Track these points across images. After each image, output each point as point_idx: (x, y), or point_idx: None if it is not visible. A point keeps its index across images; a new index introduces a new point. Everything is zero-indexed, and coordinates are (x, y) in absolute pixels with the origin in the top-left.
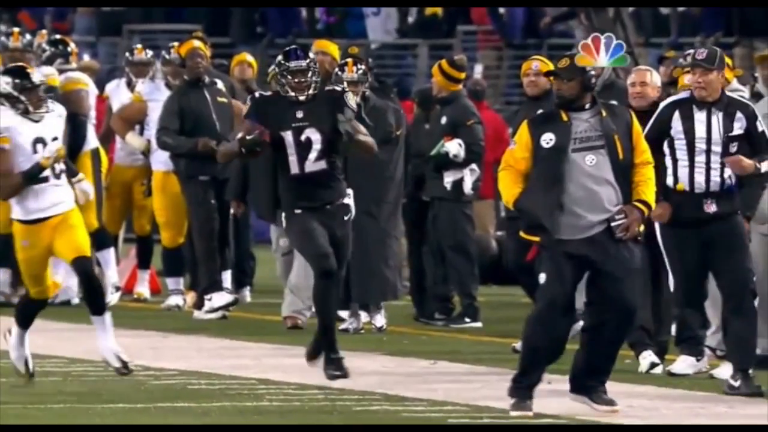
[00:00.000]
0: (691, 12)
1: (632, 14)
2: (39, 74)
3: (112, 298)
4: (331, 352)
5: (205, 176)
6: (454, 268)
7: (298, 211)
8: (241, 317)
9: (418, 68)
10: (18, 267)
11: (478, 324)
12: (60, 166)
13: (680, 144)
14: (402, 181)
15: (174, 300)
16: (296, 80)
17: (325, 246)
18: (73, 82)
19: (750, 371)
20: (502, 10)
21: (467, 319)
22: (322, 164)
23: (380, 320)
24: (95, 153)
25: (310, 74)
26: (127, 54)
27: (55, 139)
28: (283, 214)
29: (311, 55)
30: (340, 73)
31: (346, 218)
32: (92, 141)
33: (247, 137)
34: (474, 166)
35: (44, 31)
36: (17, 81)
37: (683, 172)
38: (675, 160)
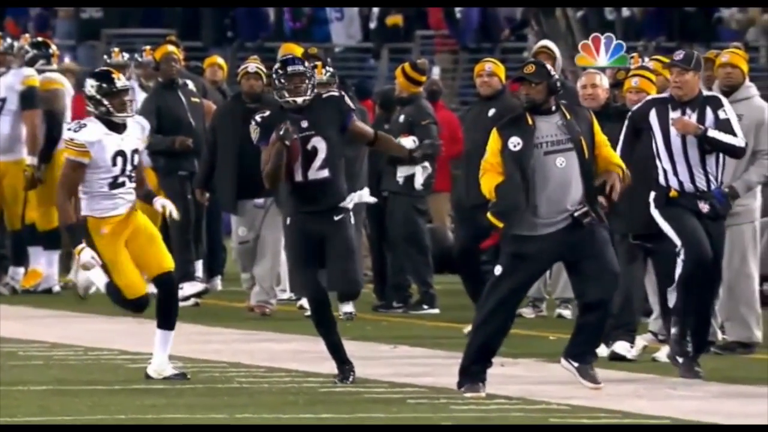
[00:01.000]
0: (635, 18)
1: (580, 19)
2: (123, 79)
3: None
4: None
5: (183, 171)
6: (409, 258)
7: (294, 219)
8: (212, 305)
9: (379, 70)
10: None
11: (436, 310)
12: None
13: (659, 141)
14: (366, 176)
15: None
16: (294, 85)
17: (314, 280)
18: (50, 81)
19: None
20: (458, 15)
21: (425, 306)
22: (325, 172)
23: (349, 308)
24: None
25: (306, 79)
26: (105, 57)
27: (135, 151)
28: (288, 219)
29: (307, 63)
30: None
31: (336, 218)
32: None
33: (284, 136)
34: (426, 163)
35: (27, 35)
36: (102, 85)
37: (670, 174)
38: (659, 156)
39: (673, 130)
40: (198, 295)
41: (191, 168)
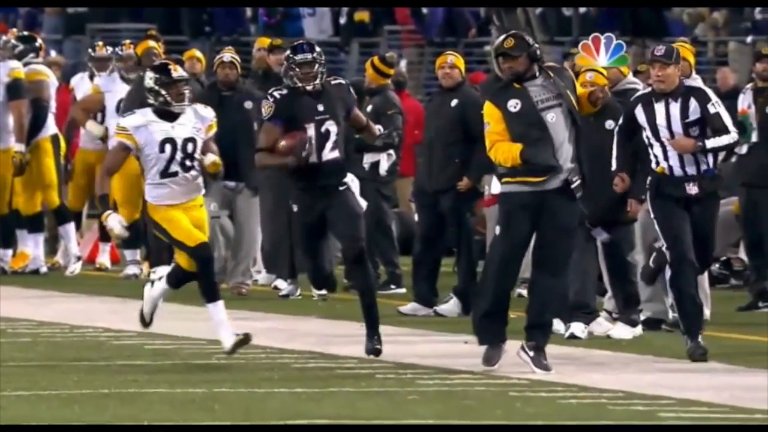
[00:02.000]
0: (590, 14)
1: (539, 15)
2: (180, 71)
3: (75, 267)
4: (371, 331)
5: None
6: (375, 241)
7: (304, 194)
8: (192, 285)
9: (349, 63)
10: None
11: (402, 290)
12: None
13: (648, 133)
14: None
15: (131, 269)
16: (303, 72)
17: (322, 257)
18: (35, 73)
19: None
20: (425, 11)
21: (392, 286)
22: (336, 153)
23: (322, 291)
24: (55, 138)
25: (316, 66)
26: (89, 50)
27: (189, 140)
28: (295, 206)
29: (317, 48)
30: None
31: (341, 188)
32: (51, 127)
33: (302, 153)
34: (391, 151)
35: (15, 30)
36: (158, 76)
37: (662, 159)
38: (651, 146)
39: (658, 121)
40: None
41: None
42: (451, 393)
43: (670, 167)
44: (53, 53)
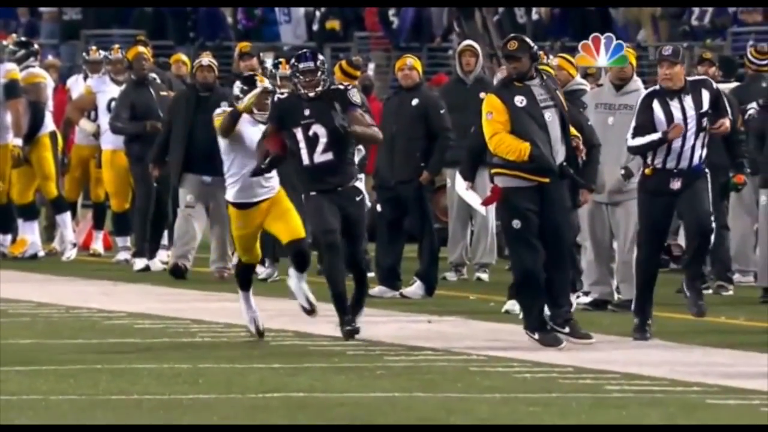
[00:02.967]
0: (542, 20)
1: (496, 22)
2: (267, 82)
3: (71, 253)
4: (343, 315)
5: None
6: None
7: (313, 194)
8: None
9: None
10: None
11: (371, 273)
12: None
13: (662, 128)
14: None
15: (122, 255)
16: (306, 79)
17: (331, 223)
18: (33, 75)
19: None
20: (392, 17)
21: None
22: (329, 156)
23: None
24: (53, 135)
25: (318, 73)
26: (84, 54)
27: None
28: (302, 195)
29: (320, 56)
30: (274, 70)
31: (358, 199)
32: (49, 125)
33: (266, 161)
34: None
35: (14, 35)
36: (244, 87)
37: (660, 152)
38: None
39: (676, 117)
40: (143, 269)
41: None
42: (415, 368)
43: (664, 161)
44: (50, 57)
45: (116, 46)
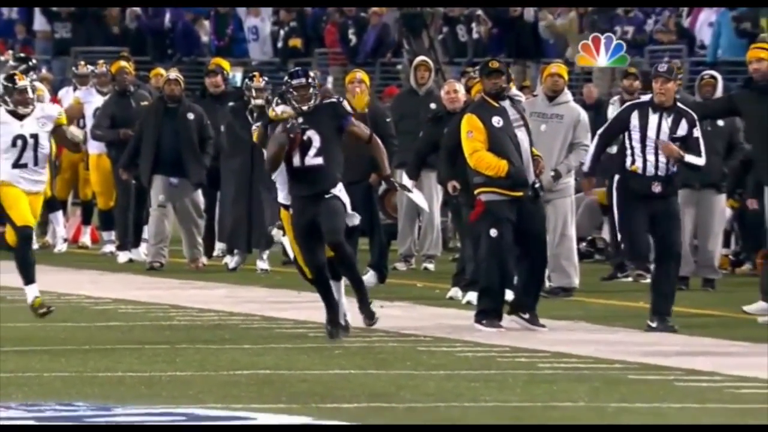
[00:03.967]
0: (482, 39)
1: (441, 40)
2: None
3: (62, 246)
4: (361, 302)
5: None
6: None
7: (297, 196)
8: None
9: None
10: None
11: None
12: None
13: (635, 137)
14: None
15: (108, 247)
16: (300, 94)
17: (321, 259)
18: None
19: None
20: (351, 36)
21: None
22: (319, 160)
23: (264, 265)
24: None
25: (310, 89)
26: (73, 68)
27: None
28: (290, 209)
29: (311, 73)
30: (249, 81)
31: (327, 197)
32: None
33: (288, 126)
34: None
35: (11, 51)
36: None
37: (638, 159)
38: (632, 148)
39: (650, 131)
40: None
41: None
42: (370, 348)
43: (644, 166)
44: (44, 71)
45: (101, 61)
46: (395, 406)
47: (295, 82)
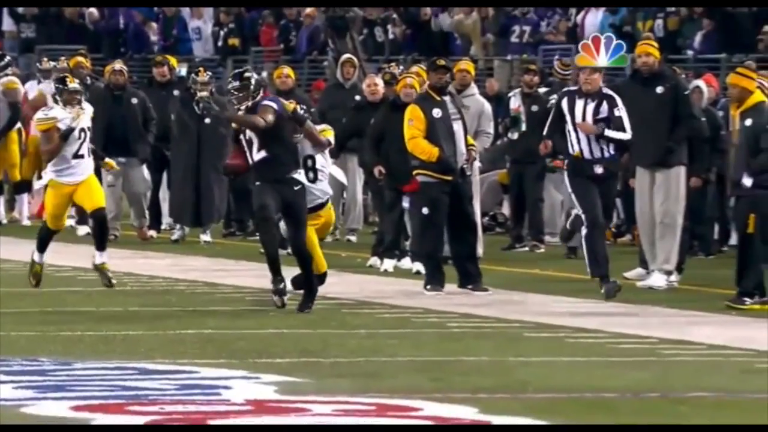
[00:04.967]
0: (397, 39)
1: (361, 41)
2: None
3: (27, 222)
4: (275, 276)
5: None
6: (249, 200)
7: (257, 183)
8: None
9: (225, 75)
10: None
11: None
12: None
13: (569, 123)
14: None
15: (68, 222)
16: (237, 96)
17: (265, 200)
18: (12, 82)
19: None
20: (292, 37)
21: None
22: (263, 153)
23: (207, 237)
24: (19, 130)
25: (245, 90)
26: (37, 64)
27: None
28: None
29: (247, 74)
30: (195, 76)
31: (296, 188)
32: (18, 122)
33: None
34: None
35: None
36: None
37: (575, 144)
38: (570, 135)
39: (577, 115)
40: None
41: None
42: (327, 316)
43: (582, 150)
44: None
45: (62, 57)
46: (322, 361)
47: (230, 86)
